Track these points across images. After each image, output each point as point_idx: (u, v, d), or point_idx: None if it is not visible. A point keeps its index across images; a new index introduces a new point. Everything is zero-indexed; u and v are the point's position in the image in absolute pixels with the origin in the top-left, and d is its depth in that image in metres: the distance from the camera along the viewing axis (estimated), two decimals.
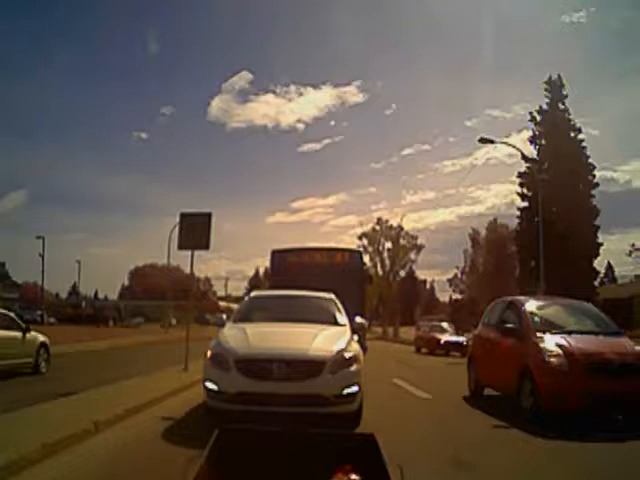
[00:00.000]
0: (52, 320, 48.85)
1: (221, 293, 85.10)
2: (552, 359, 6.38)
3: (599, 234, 32.73)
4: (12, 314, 12.03)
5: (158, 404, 7.15)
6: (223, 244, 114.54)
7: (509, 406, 7.17)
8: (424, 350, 23.79)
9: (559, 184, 30.33)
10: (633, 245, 27.27)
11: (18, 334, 11.13)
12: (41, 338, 11.93)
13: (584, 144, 33.77)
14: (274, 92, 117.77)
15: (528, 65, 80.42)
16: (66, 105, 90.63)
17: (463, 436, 5.71)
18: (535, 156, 33.97)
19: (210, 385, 5.52)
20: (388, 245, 51.80)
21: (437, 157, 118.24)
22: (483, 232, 52.15)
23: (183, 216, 11.42)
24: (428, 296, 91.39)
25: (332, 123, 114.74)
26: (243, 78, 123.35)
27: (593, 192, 33.06)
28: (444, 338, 22.59)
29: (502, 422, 6.45)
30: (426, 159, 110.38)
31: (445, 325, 26.14)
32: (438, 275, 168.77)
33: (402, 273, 55.70)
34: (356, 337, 6.47)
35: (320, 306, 7.20)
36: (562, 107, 34.19)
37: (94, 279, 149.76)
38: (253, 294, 8.24)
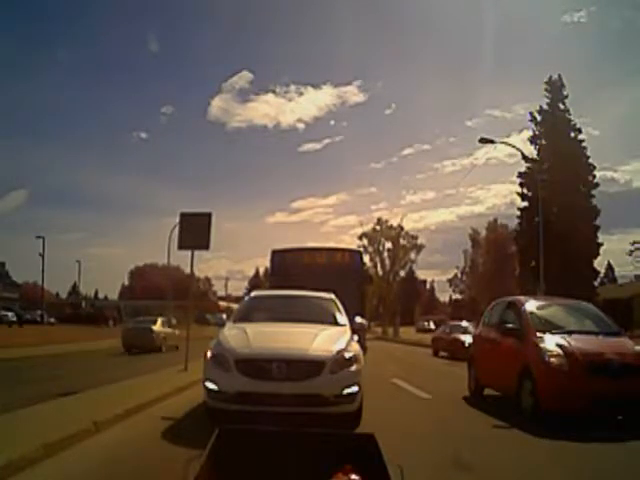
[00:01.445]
0: (52, 320, 48.88)
1: (221, 293, 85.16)
2: (552, 359, 6.37)
3: (599, 234, 32.79)
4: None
5: (158, 404, 7.15)
6: (223, 244, 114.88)
7: (509, 406, 7.16)
8: (443, 354, 20.86)
9: (559, 184, 30.35)
10: (634, 243, 27.21)
11: (171, 330, 22.02)
12: (177, 332, 21.97)
13: (584, 144, 33.84)
14: (274, 92, 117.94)
15: (528, 65, 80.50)
16: (66, 105, 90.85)
17: (463, 436, 5.70)
18: (535, 156, 33.98)
19: (210, 385, 5.50)
20: (388, 245, 51.99)
21: (437, 157, 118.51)
22: (483, 232, 52.18)
23: (183, 216, 11.41)
24: (428, 296, 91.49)
25: (332, 123, 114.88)
26: (243, 78, 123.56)
27: (593, 192, 33.07)
28: (468, 340, 17.97)
29: (502, 422, 6.44)
30: (426, 159, 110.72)
31: (466, 324, 22.09)
32: (438, 275, 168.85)
33: (402, 273, 55.86)
34: (356, 337, 6.46)
35: (320, 306, 7.19)
36: (562, 107, 34.18)
37: (94, 279, 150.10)
38: (253, 294, 8.22)
